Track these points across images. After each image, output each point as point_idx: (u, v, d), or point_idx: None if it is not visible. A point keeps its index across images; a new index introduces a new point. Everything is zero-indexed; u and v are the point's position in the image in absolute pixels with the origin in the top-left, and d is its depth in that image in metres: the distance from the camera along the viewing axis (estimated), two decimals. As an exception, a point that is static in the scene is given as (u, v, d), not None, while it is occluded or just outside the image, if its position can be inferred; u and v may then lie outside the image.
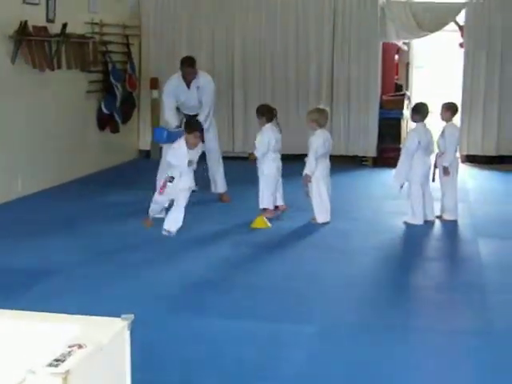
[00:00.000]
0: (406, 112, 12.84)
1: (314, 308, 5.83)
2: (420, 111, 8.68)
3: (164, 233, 7.86)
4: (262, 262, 7.09)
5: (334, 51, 12.98)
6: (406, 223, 8.60)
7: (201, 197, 9.74)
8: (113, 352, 2.65)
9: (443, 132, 8.78)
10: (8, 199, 9.36)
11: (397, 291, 6.36)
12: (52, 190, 10.25)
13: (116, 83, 11.96)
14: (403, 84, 14.60)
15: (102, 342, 2.56)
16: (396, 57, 14.31)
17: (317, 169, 8.45)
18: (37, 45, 9.77)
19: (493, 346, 5.09)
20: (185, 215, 7.90)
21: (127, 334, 2.75)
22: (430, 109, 8.76)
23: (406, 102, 13.32)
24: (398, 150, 8.75)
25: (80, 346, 2.46)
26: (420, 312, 5.92)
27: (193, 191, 10.05)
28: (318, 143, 8.43)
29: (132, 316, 2.77)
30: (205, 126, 9.61)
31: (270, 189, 8.72)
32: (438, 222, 8.72)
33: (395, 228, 8.56)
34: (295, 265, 7.06)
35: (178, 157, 7.92)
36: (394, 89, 14.06)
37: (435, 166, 8.85)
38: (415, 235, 8.31)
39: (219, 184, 9.79)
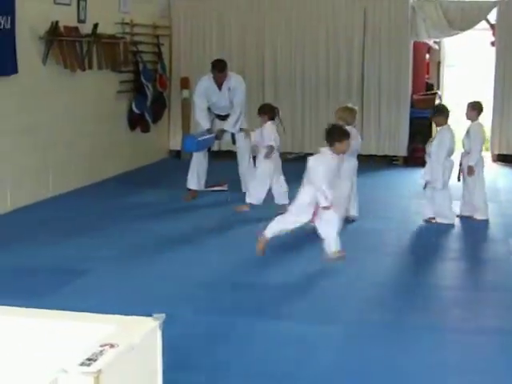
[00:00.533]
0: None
1: (339, 307, 5.81)
2: (443, 112, 8.61)
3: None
4: (287, 262, 7.05)
5: (364, 50, 12.92)
6: (436, 223, 8.53)
7: (231, 196, 9.75)
8: (144, 351, 2.66)
9: (468, 131, 8.70)
10: (39, 198, 9.43)
11: (425, 290, 6.32)
12: (83, 190, 10.31)
13: (147, 83, 12.00)
14: (434, 83, 14.53)
15: (134, 341, 2.57)
16: (427, 56, 14.23)
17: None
18: (68, 45, 9.83)
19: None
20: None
21: (159, 334, 2.75)
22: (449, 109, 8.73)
23: (437, 101, 13.23)
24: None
25: (112, 346, 2.47)
26: (449, 311, 5.87)
27: (223, 190, 10.12)
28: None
29: (163, 315, 2.77)
30: (236, 127, 9.63)
31: (264, 186, 8.83)
32: (468, 222, 8.64)
33: (425, 227, 8.50)
34: (321, 264, 7.01)
35: (326, 172, 6.74)
36: (424, 88, 13.99)
37: (460, 166, 8.77)
38: (445, 235, 8.25)
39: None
